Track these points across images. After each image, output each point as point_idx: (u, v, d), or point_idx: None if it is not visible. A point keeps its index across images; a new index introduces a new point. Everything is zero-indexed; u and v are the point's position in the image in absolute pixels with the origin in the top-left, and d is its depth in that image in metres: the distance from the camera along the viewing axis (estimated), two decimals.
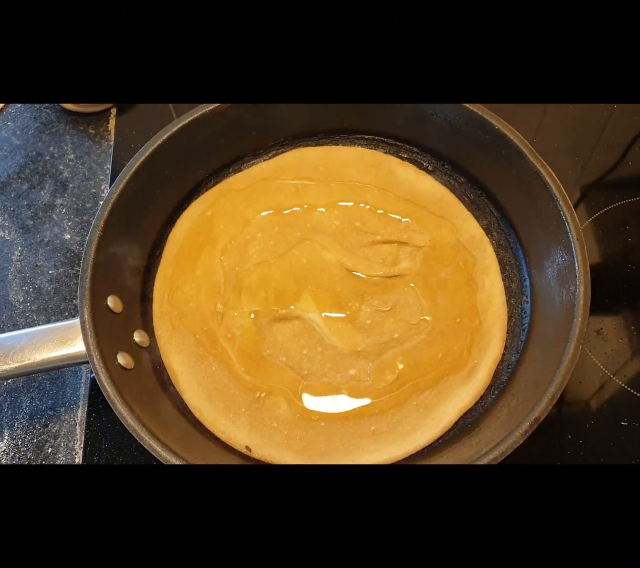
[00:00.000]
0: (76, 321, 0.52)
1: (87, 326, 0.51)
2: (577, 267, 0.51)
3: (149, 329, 0.61)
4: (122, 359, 0.54)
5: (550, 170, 0.54)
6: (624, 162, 0.72)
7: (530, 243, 0.60)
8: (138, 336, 0.58)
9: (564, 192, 0.54)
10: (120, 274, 0.59)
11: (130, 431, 0.48)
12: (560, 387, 0.47)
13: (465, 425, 0.55)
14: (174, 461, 0.47)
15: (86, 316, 0.52)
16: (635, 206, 0.69)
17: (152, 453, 0.47)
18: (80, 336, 0.51)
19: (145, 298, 0.62)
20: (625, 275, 0.65)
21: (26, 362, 0.52)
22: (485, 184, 0.64)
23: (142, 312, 0.61)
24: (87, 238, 0.55)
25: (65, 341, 0.53)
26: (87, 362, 0.51)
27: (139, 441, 0.48)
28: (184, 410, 0.57)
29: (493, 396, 0.56)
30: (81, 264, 0.54)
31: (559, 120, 0.76)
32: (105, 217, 0.56)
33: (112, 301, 0.56)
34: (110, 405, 0.49)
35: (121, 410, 0.48)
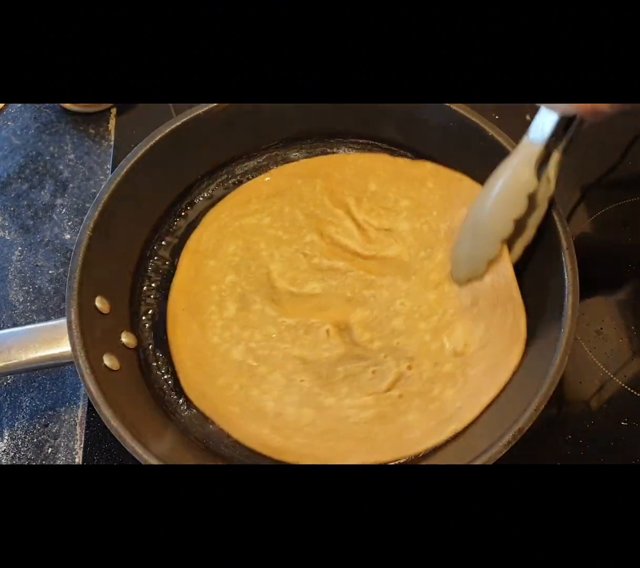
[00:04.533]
0: (63, 321, 0.52)
1: (74, 327, 0.51)
2: (566, 277, 0.51)
3: (136, 330, 0.60)
4: (108, 360, 0.53)
5: None
6: (624, 162, 0.72)
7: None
8: (125, 338, 0.58)
9: (557, 205, 0.53)
10: (110, 275, 0.59)
11: (113, 434, 0.48)
12: (545, 398, 0.47)
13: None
14: (155, 464, 0.47)
15: (73, 316, 0.51)
16: (635, 206, 0.69)
17: (135, 456, 0.47)
18: (67, 337, 0.51)
19: (134, 299, 0.62)
20: (626, 275, 0.65)
21: (12, 361, 0.52)
22: None
23: (130, 313, 0.61)
24: (77, 237, 0.55)
25: (51, 341, 0.52)
26: (73, 362, 0.51)
27: (122, 444, 0.47)
28: (170, 413, 0.57)
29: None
30: (70, 264, 0.54)
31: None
32: (95, 217, 0.56)
33: (100, 302, 0.56)
34: (94, 407, 0.49)
35: (105, 412, 0.48)
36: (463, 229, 0.58)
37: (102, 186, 0.58)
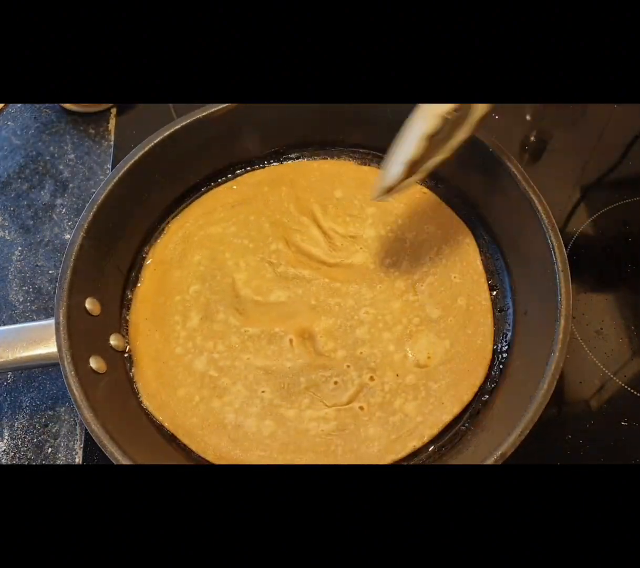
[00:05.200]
0: (52, 321, 0.52)
1: (61, 328, 0.51)
2: (559, 300, 0.51)
3: (126, 333, 0.60)
4: (95, 363, 0.53)
5: (542, 197, 0.54)
6: (624, 162, 0.72)
7: (518, 271, 0.60)
8: (114, 340, 0.58)
9: (554, 221, 0.53)
10: (102, 276, 0.58)
11: (93, 437, 0.47)
12: (530, 423, 0.46)
13: (436, 451, 0.54)
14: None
15: (61, 317, 0.51)
16: (635, 206, 0.69)
17: (113, 460, 0.47)
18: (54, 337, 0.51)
19: (125, 301, 0.62)
20: (626, 275, 0.65)
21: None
22: (478, 207, 0.63)
23: (120, 316, 0.61)
24: (70, 237, 0.55)
25: (39, 341, 0.52)
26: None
27: (101, 448, 0.47)
28: (153, 418, 0.56)
29: (464, 427, 0.55)
30: (62, 264, 0.53)
31: (559, 120, 0.76)
32: (90, 218, 0.55)
33: (90, 303, 0.55)
34: (76, 409, 0.48)
35: (86, 415, 0.48)
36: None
37: (99, 187, 0.58)
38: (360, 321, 0.58)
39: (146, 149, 0.59)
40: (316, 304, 0.59)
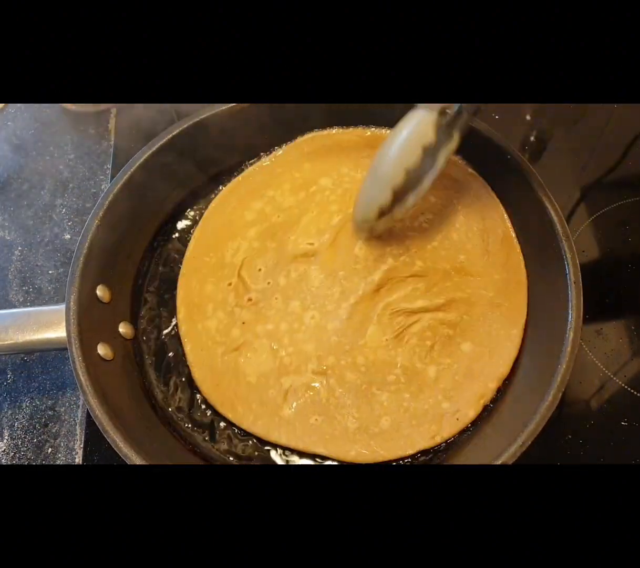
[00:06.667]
0: (63, 306, 0.52)
1: (71, 313, 0.52)
2: (570, 307, 0.51)
3: (135, 322, 0.61)
4: (102, 349, 0.54)
5: (556, 205, 0.54)
6: (624, 162, 0.72)
7: (533, 282, 0.59)
8: (123, 328, 0.59)
9: (568, 231, 0.53)
10: (114, 264, 0.59)
11: (97, 423, 0.48)
12: (533, 433, 0.46)
13: (435, 456, 0.54)
14: (135, 459, 0.47)
15: (72, 302, 0.52)
16: (635, 206, 0.69)
17: (115, 448, 0.47)
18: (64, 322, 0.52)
19: (135, 290, 0.62)
20: (626, 275, 0.65)
21: (8, 342, 0.53)
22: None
23: (131, 304, 0.61)
24: (85, 225, 0.55)
25: (49, 325, 0.53)
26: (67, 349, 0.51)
27: (103, 435, 0.47)
28: (157, 406, 0.57)
29: (466, 435, 0.55)
30: (75, 251, 0.54)
31: (559, 120, 0.76)
32: (105, 206, 0.56)
33: (101, 291, 0.56)
34: (82, 395, 0.49)
35: (91, 400, 0.48)
36: (367, 174, 0.56)
37: (116, 177, 0.58)
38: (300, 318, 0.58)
39: (164, 141, 0.60)
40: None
